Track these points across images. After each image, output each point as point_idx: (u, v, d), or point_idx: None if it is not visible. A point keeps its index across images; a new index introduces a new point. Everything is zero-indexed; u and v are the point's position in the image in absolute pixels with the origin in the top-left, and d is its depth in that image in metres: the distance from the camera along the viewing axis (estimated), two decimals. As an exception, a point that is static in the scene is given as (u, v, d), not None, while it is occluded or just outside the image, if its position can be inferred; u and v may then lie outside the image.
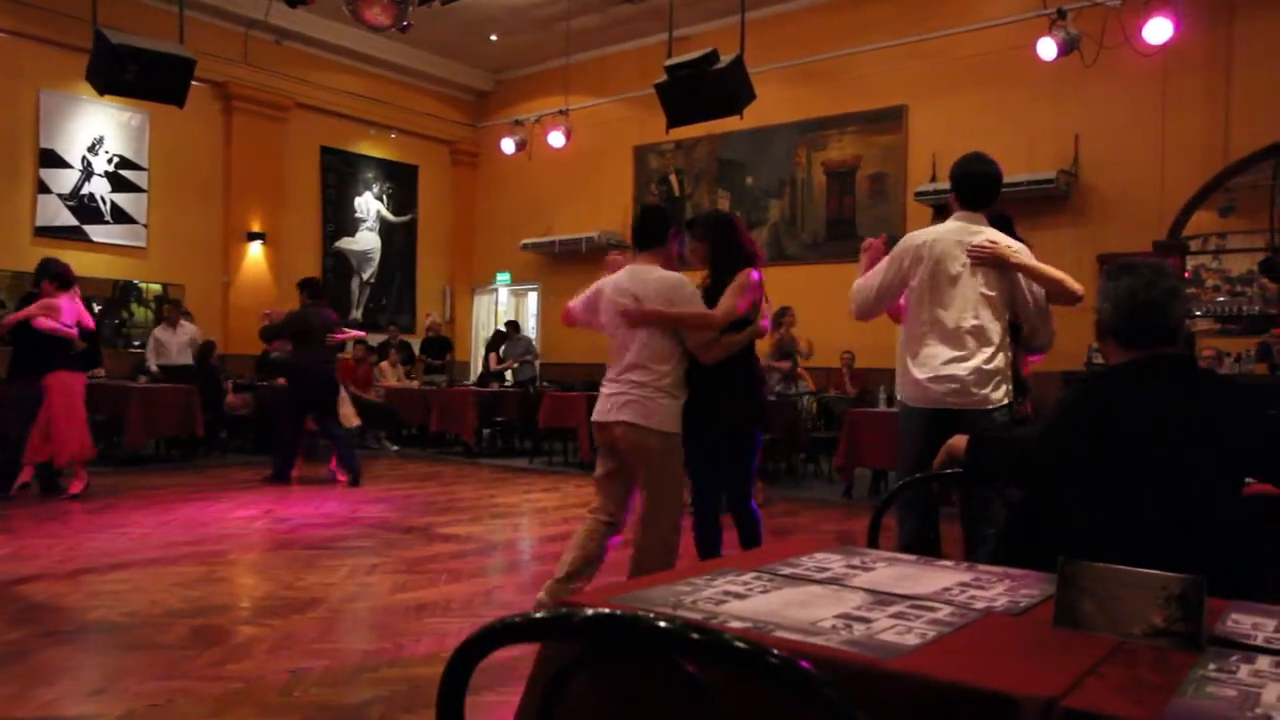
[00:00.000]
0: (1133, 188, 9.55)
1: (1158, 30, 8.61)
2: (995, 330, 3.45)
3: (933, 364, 3.45)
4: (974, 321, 3.42)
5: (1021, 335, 3.63)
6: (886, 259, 3.63)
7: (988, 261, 3.42)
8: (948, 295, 3.45)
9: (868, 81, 11.30)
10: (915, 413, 3.52)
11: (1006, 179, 11.03)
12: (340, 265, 14.32)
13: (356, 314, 14.34)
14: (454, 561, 5.25)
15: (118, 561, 5.00)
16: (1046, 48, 8.88)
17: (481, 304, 15.76)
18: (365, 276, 14.66)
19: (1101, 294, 2.16)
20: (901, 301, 3.62)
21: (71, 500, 7.02)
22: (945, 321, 3.44)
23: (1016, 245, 3.51)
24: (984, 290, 3.44)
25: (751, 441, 4.02)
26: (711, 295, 3.95)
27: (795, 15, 11.83)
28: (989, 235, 3.48)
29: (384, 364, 12.31)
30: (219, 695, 3.05)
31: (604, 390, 3.89)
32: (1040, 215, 10.00)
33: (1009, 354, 3.51)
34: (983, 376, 3.40)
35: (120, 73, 7.19)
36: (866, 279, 3.66)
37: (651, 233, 3.96)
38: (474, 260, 15.85)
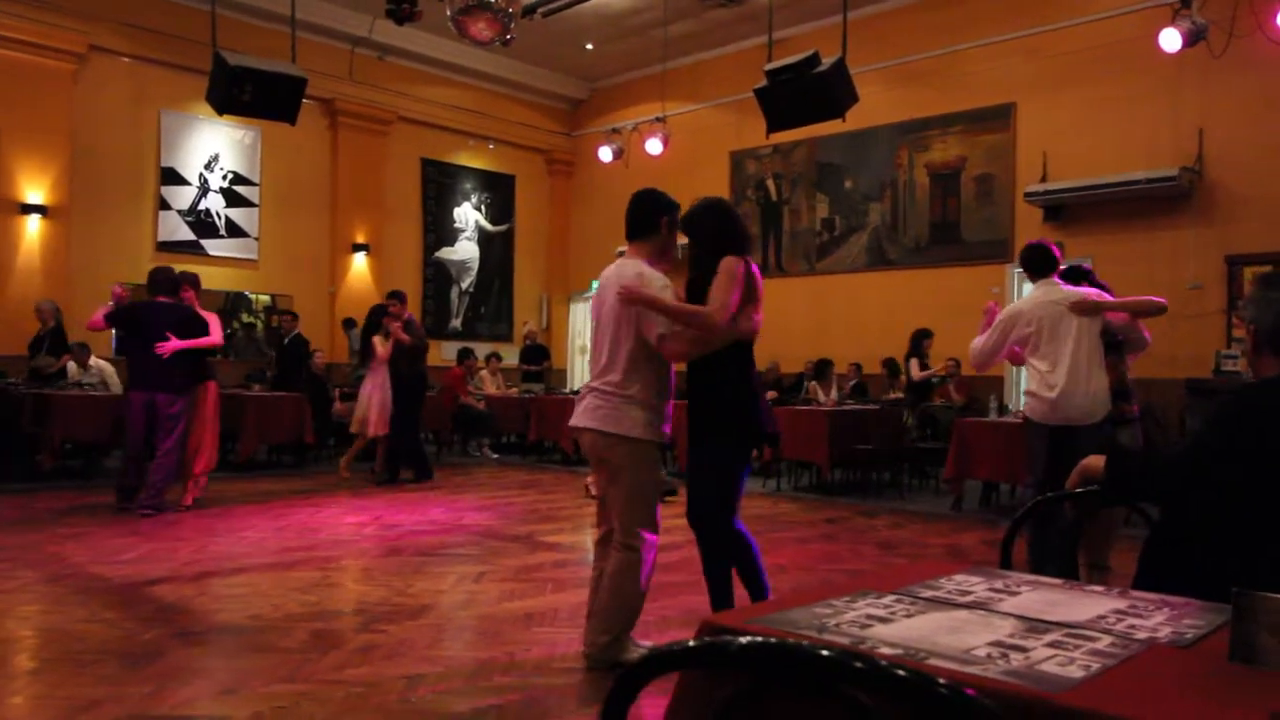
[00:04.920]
0: (1264, 184, 9.02)
1: (1294, 16, 8.12)
2: (1099, 359, 4.68)
3: (1058, 388, 4.63)
4: (1084, 355, 4.64)
5: (1121, 345, 4.99)
6: (994, 323, 4.95)
7: (1088, 311, 4.69)
8: (1061, 339, 4.67)
9: (973, 79, 10.97)
10: (1040, 428, 4.72)
11: (1122, 177, 10.68)
12: (440, 275, 14.63)
13: (456, 323, 14.62)
14: (558, 570, 5.28)
15: (238, 565, 5.18)
16: (1170, 39, 8.46)
17: (578, 312, 15.90)
18: (464, 286, 14.94)
19: (1258, 303, 2.01)
20: (1017, 349, 4.88)
21: (184, 511, 6.86)
22: (1064, 357, 4.64)
23: (1095, 291, 4.82)
24: (1087, 330, 4.69)
25: (722, 455, 3.59)
26: (694, 291, 3.57)
27: (897, 13, 11.60)
28: (1080, 294, 4.74)
29: (484, 372, 12.49)
30: (341, 699, 3.11)
31: (580, 394, 3.65)
32: (1161, 215, 9.57)
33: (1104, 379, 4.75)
34: (1096, 397, 4.65)
35: (237, 93, 7.45)
36: (980, 341, 5.01)
37: (636, 221, 3.61)
38: (570, 268, 15.99)
